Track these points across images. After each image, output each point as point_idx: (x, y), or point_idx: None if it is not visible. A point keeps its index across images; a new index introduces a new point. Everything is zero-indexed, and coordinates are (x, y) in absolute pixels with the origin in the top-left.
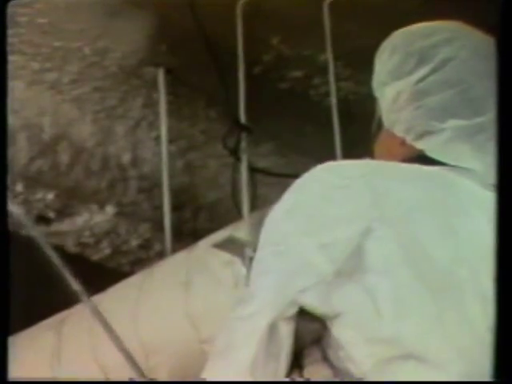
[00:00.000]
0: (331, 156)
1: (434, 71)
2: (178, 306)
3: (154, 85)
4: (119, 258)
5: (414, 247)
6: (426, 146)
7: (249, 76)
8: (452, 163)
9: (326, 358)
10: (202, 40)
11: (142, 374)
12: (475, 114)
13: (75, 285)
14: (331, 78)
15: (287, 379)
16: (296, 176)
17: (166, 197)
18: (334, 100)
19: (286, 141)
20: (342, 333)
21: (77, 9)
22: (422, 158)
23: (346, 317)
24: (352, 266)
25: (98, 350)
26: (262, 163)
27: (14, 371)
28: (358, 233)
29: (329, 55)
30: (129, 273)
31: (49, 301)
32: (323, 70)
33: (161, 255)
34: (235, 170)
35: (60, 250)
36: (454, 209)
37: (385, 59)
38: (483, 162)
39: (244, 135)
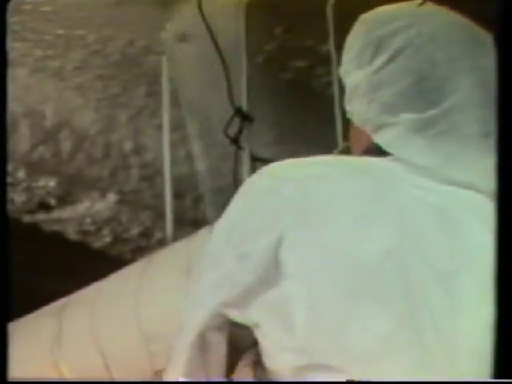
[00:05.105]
0: (333, 145)
1: (389, 61)
2: (178, 294)
3: (156, 73)
4: (120, 245)
5: (335, 248)
6: (380, 139)
7: (251, 65)
8: (406, 158)
9: (259, 361)
10: (205, 28)
11: None
12: (428, 106)
13: None
14: (334, 68)
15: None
16: None
17: (167, 185)
18: (336, 90)
19: (288, 130)
20: (262, 341)
21: None
22: (380, 149)
23: (263, 326)
24: (271, 276)
25: (98, 335)
26: (263, 153)
27: (15, 356)
28: (272, 242)
29: (331, 46)
30: (130, 261)
31: (50, 288)
32: (326, 60)
33: (162, 243)
34: (237, 159)
35: (61, 237)
36: (389, 203)
37: (348, 47)
38: (434, 157)
39: (246, 124)
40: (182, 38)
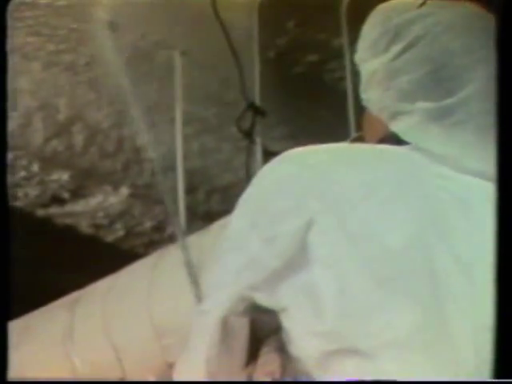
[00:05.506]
0: (345, 139)
1: (406, 49)
2: (190, 288)
3: (168, 67)
4: (133, 239)
5: (361, 235)
6: (397, 127)
7: (263, 59)
8: (423, 146)
9: (282, 348)
10: (217, 22)
11: None
12: (444, 95)
13: None
14: (347, 62)
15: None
16: None
17: (179, 179)
18: (349, 84)
19: (300, 125)
20: (289, 326)
21: None
22: (396, 137)
23: (291, 311)
24: (298, 260)
25: (111, 328)
26: (275, 147)
27: (27, 349)
28: (300, 226)
29: (344, 40)
30: (142, 255)
31: (62, 282)
32: (338, 55)
33: (174, 237)
34: (249, 153)
35: (74, 230)
36: (411, 191)
37: (364, 35)
38: (451, 146)
39: (258, 118)
40: (110, 26)
